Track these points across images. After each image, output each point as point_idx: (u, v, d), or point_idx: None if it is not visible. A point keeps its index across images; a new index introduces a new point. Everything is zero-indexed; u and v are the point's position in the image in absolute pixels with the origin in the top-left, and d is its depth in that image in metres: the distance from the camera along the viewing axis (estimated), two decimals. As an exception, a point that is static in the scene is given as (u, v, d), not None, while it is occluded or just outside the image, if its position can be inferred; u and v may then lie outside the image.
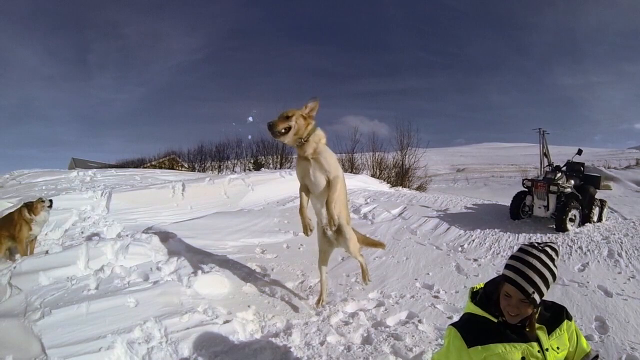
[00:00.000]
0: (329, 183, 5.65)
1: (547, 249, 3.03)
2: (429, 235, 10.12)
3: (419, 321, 5.71)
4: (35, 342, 4.49)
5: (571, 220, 10.77)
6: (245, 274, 6.85)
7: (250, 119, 12.19)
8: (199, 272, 6.20)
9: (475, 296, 3.29)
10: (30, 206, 7.46)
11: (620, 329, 5.48)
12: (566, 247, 9.10)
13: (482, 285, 3.35)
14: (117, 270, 6.07)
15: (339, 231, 5.96)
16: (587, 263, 7.94)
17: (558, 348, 3.09)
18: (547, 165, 12.68)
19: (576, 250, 8.70)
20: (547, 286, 2.95)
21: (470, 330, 3.14)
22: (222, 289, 6.04)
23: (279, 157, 35.80)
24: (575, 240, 9.29)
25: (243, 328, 5.16)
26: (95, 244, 6.63)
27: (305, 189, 5.86)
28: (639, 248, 8.61)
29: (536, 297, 2.91)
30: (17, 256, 7.15)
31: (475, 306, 3.24)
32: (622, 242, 8.98)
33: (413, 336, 5.30)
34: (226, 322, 5.17)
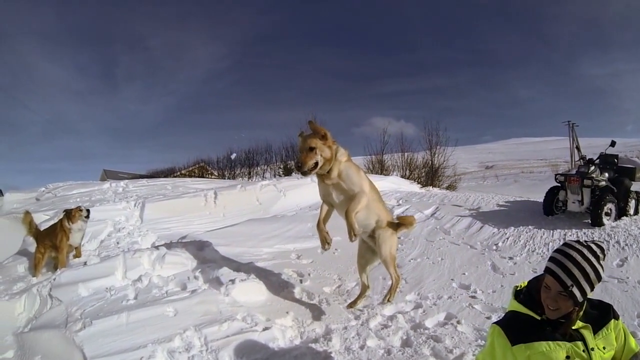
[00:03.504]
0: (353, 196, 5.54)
1: (592, 245, 2.98)
2: (463, 234, 10.07)
3: (458, 322, 5.67)
4: (77, 353, 4.55)
5: (607, 214, 10.57)
6: (282, 280, 6.84)
7: (233, 156, 12.47)
8: (236, 279, 6.17)
9: (519, 294, 3.26)
10: (69, 214, 7.62)
11: None
12: (603, 243, 8.81)
13: (526, 284, 3.32)
14: (154, 280, 6.14)
15: (373, 235, 5.90)
16: (626, 258, 7.80)
17: (604, 348, 3.02)
18: (579, 159, 12.44)
19: (614, 245, 8.54)
20: (589, 282, 2.89)
21: (514, 328, 3.11)
22: (259, 296, 6.02)
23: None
24: (612, 235, 9.10)
25: (282, 334, 5.15)
26: (132, 255, 6.71)
27: (328, 202, 5.83)
28: None
29: (575, 291, 2.86)
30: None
31: (518, 304, 3.20)
32: None
33: (452, 337, 5.26)
34: (265, 329, 5.16)
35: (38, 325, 5.24)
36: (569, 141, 13.27)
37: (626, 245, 8.46)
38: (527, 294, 3.24)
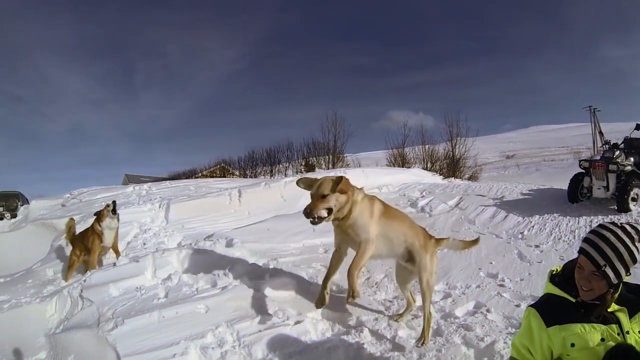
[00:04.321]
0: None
1: (627, 226, 2.99)
2: (488, 224, 10.06)
3: (487, 311, 5.75)
4: (110, 352, 4.62)
5: (633, 199, 10.48)
6: (311, 274, 6.88)
7: None
8: (266, 275, 6.24)
9: (554, 278, 3.29)
10: (99, 214, 7.84)
11: None
12: (639, 224, 8.78)
13: (561, 267, 3.34)
14: (184, 278, 6.17)
15: (413, 259, 5.39)
16: None
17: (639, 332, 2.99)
18: (602, 144, 12.29)
19: None
20: (623, 263, 2.89)
21: (549, 310, 3.13)
22: (289, 291, 6.04)
23: (330, 157, 35.94)
24: (639, 222, 9.02)
25: (314, 327, 5.20)
26: (161, 254, 6.77)
27: (338, 254, 5.48)
28: None
29: (608, 271, 2.86)
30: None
31: (553, 286, 3.23)
32: None
33: (483, 326, 5.33)
34: (297, 322, 5.21)
35: (70, 326, 5.32)
36: (591, 127, 13.24)
37: None
38: (562, 277, 3.26)
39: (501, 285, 6.65)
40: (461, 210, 11.29)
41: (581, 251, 2.99)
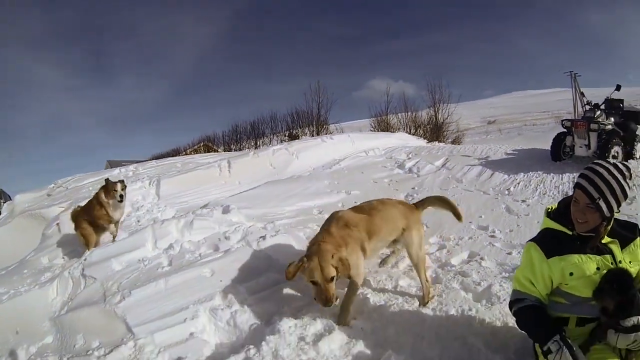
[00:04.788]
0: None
1: (618, 164, 3.23)
2: (475, 182, 10.31)
3: (481, 259, 5.98)
4: (119, 324, 4.68)
5: (614, 157, 10.76)
6: (309, 233, 6.96)
7: None
8: (267, 236, 6.30)
9: (550, 214, 3.53)
10: (107, 186, 7.59)
11: None
12: (630, 163, 9.43)
13: (556, 205, 3.59)
14: (186, 245, 6.22)
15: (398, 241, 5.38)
16: (635, 197, 8.07)
17: (630, 262, 3.26)
18: (584, 105, 12.59)
19: None
20: (615, 197, 3.12)
21: (548, 243, 3.37)
22: (291, 250, 6.13)
23: (314, 127, 35.95)
24: None
25: None
26: (160, 225, 6.80)
27: None
28: None
29: (602, 204, 3.09)
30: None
31: (550, 221, 3.48)
32: None
33: (478, 272, 5.55)
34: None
35: (75, 306, 5.31)
36: (572, 92, 13.32)
37: (634, 185, 8.64)
38: (557, 211, 3.51)
39: (492, 236, 6.92)
40: (448, 170, 11.50)
41: (577, 185, 3.22)
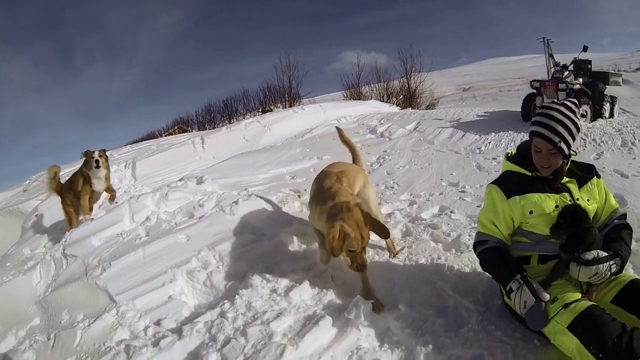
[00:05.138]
0: None
1: (567, 102, 3.33)
2: (446, 143, 10.48)
3: (451, 212, 6.10)
4: (102, 295, 4.75)
5: (583, 115, 10.96)
6: (282, 197, 7.14)
7: None
8: (239, 200, 6.36)
9: (511, 158, 3.66)
10: (86, 157, 7.34)
11: (638, 202, 5.89)
12: (580, 141, 9.37)
13: (515, 150, 3.72)
14: (162, 216, 6.27)
15: None
16: (602, 152, 8.41)
17: (588, 200, 3.39)
18: (553, 66, 12.87)
19: (590, 142, 9.17)
20: (572, 136, 3.24)
21: (508, 184, 3.49)
22: (264, 213, 6.21)
23: (287, 101, 35.81)
24: (589, 134, 9.61)
25: (291, 240, 5.42)
26: (137, 200, 6.83)
27: None
28: None
29: (563, 146, 3.21)
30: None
31: (510, 163, 3.60)
32: (635, 133, 9.27)
33: (448, 224, 5.65)
34: (274, 237, 5.40)
35: (58, 285, 5.35)
36: (545, 58, 13.55)
37: (602, 142, 9.08)
38: (517, 155, 3.64)
39: (462, 192, 7.03)
40: (420, 132, 11.73)
41: (535, 134, 3.33)
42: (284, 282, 4.38)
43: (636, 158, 7.96)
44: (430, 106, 33.96)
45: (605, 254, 3.13)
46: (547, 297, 3.04)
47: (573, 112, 3.32)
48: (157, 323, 4.16)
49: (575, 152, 3.50)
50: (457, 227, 5.54)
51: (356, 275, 4.31)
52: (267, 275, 4.49)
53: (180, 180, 8.48)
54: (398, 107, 22.19)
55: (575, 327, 2.85)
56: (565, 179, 3.44)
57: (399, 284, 4.27)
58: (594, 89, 11.95)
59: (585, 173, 3.56)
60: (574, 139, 3.30)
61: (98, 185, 7.42)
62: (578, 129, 3.31)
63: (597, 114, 11.64)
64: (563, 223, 3.18)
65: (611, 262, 3.10)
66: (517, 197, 3.41)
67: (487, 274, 3.75)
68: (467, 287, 4.14)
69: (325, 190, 4.60)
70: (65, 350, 4.03)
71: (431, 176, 8.06)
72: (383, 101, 28.35)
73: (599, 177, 3.61)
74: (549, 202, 3.34)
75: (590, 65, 12.88)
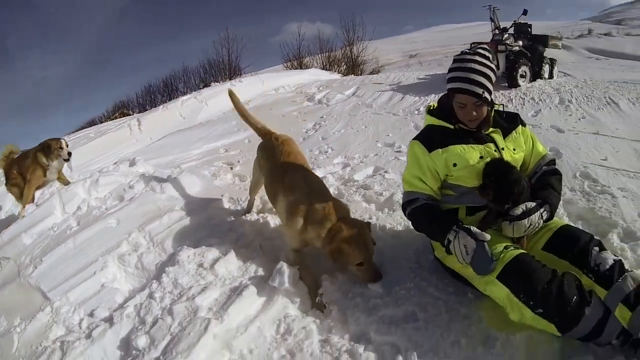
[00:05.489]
0: None
1: (479, 50, 3.23)
2: (385, 105, 10.58)
3: (385, 172, 6.06)
4: (35, 293, 4.54)
5: (522, 76, 11.45)
6: (214, 171, 7.01)
7: None
8: (169, 177, 6.25)
9: (433, 112, 3.52)
10: (48, 148, 6.94)
11: (573, 154, 6.10)
12: (519, 99, 9.93)
13: (437, 103, 3.59)
14: (93, 203, 6.04)
15: None
16: (540, 110, 8.74)
17: (514, 149, 3.31)
18: (494, 29, 13.22)
19: (529, 101, 9.61)
20: (491, 82, 3.15)
21: (430, 138, 3.37)
22: (194, 188, 6.09)
23: (228, 75, 35.32)
24: (527, 93, 10.14)
25: (220, 213, 5.32)
26: (67, 189, 6.53)
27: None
28: (589, 96, 9.53)
29: (487, 95, 3.10)
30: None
31: (432, 117, 3.48)
32: (572, 92, 9.86)
33: (382, 184, 5.61)
34: (203, 212, 5.30)
35: None
36: (491, 25, 13.84)
37: (540, 100, 9.56)
38: (439, 109, 3.52)
39: (398, 152, 7.02)
40: (358, 97, 11.86)
41: (457, 90, 3.21)
42: (210, 256, 4.27)
43: (572, 114, 8.38)
44: (374, 72, 33.86)
45: (534, 204, 3.08)
46: (487, 237, 2.92)
47: (487, 58, 3.24)
48: (91, 314, 4.01)
49: (501, 104, 3.40)
50: (390, 187, 5.51)
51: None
52: (194, 250, 4.36)
53: (114, 164, 8.28)
54: (340, 75, 22.09)
55: (504, 277, 2.83)
56: (490, 129, 3.37)
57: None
58: (533, 51, 12.31)
59: (509, 122, 3.49)
60: (492, 84, 3.21)
61: (53, 175, 7.14)
62: (495, 73, 3.23)
63: (536, 75, 12.05)
64: (488, 182, 3.12)
65: (541, 210, 3.07)
66: (440, 150, 3.30)
67: (419, 232, 3.61)
68: (399, 245, 4.10)
69: (297, 178, 4.17)
70: (4, 358, 3.89)
71: (367, 138, 8.05)
72: (325, 70, 28.16)
73: (524, 125, 3.55)
74: (473, 154, 3.25)
75: (530, 29, 13.32)
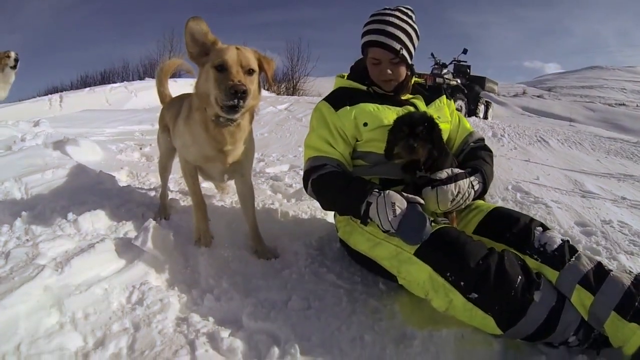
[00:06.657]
0: None
1: (401, 7, 2.91)
2: (314, 120, 10.40)
3: (301, 170, 5.69)
4: None
5: (457, 110, 11.53)
6: (122, 147, 6.66)
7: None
8: (70, 139, 5.79)
9: (343, 76, 3.19)
10: None
11: (504, 173, 6.41)
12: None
13: (349, 72, 3.25)
14: None
15: None
16: (490, 104, 9.23)
17: (439, 118, 2.86)
18: (434, 65, 13.80)
19: None
20: (413, 44, 2.85)
21: (338, 97, 3.00)
22: (94, 156, 5.69)
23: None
24: None
25: (112, 181, 4.75)
26: None
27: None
28: (520, 134, 10.65)
29: (405, 53, 2.79)
30: None
31: (343, 79, 3.16)
32: (505, 129, 10.82)
33: (294, 178, 5.44)
34: (95, 175, 4.72)
35: None
36: (431, 60, 14.53)
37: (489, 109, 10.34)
38: (351, 73, 3.19)
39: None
40: (289, 112, 12.18)
41: (372, 44, 2.86)
42: (78, 211, 3.66)
43: (504, 146, 9.34)
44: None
45: (462, 171, 2.66)
46: (420, 199, 2.43)
47: (410, 17, 2.90)
48: None
49: (424, 79, 3.20)
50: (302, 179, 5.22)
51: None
52: (62, 204, 3.83)
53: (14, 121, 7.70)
54: (276, 94, 22.41)
55: (425, 252, 2.33)
56: (409, 96, 3.07)
57: (218, 223, 3.69)
58: (470, 90, 13.22)
59: (433, 93, 3.20)
60: (414, 48, 2.91)
61: (2, 92, 6.87)
62: (418, 36, 2.91)
63: (471, 113, 12.88)
64: (395, 135, 2.67)
65: (471, 178, 2.64)
66: (348, 107, 2.88)
67: (325, 209, 3.25)
68: (301, 232, 3.72)
69: None
70: None
71: (289, 143, 8.06)
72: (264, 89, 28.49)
73: (449, 99, 3.28)
74: (389, 114, 2.83)
75: (469, 70, 14.31)
